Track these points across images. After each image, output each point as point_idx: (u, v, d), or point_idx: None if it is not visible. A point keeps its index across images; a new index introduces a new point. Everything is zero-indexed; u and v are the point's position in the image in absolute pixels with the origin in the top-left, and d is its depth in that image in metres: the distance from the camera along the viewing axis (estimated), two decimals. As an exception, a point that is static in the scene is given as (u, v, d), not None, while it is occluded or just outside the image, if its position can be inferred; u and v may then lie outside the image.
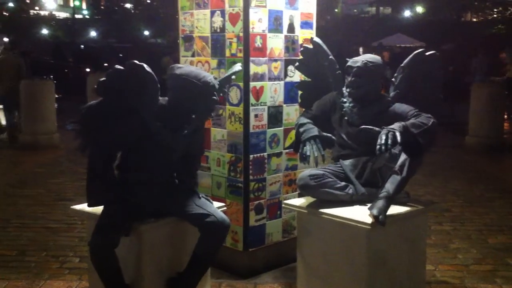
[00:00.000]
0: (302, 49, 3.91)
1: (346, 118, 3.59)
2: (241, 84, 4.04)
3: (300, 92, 4.16)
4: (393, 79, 3.56)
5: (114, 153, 3.29)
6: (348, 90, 3.57)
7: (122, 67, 3.14)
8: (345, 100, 3.59)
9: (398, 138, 3.08)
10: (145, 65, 3.13)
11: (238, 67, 3.76)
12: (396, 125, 3.18)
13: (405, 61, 3.52)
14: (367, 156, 3.49)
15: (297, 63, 3.92)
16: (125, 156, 3.34)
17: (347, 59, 3.62)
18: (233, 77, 3.83)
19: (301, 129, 3.71)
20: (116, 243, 3.14)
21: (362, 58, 3.55)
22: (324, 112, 3.73)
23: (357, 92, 3.52)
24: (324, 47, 3.75)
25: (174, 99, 3.29)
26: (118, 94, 3.14)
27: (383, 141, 3.08)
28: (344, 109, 3.58)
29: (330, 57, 3.72)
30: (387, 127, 3.15)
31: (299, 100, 4.22)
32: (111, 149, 3.24)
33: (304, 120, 3.77)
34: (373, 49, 19.96)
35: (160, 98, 3.32)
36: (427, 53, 3.48)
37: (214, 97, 3.33)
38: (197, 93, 3.25)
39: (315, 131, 3.64)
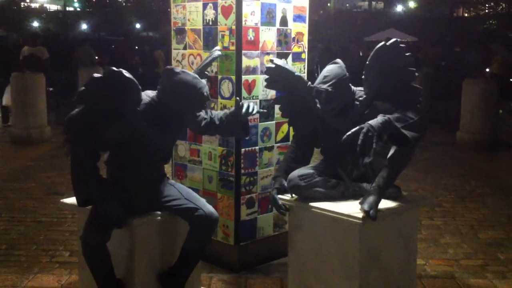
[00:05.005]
0: (265, 69, 3.76)
1: (332, 127, 3.54)
2: (233, 77, 4.02)
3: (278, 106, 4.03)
4: (363, 77, 3.48)
5: (101, 151, 3.26)
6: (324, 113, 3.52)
7: (100, 75, 3.13)
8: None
9: (374, 142, 3.04)
10: (123, 71, 3.11)
11: (217, 52, 3.77)
12: (376, 119, 3.13)
13: (369, 58, 3.40)
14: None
15: (265, 83, 3.78)
16: (114, 154, 3.32)
17: (310, 84, 3.55)
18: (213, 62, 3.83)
19: (272, 182, 3.69)
20: (108, 238, 3.14)
21: (324, 84, 3.40)
22: (312, 127, 3.67)
23: (333, 111, 3.48)
24: (286, 66, 3.67)
25: (164, 102, 3.25)
26: (100, 100, 3.13)
27: (359, 142, 3.04)
28: (328, 120, 3.54)
29: (296, 74, 3.64)
30: (366, 123, 3.10)
31: (280, 113, 4.16)
32: (97, 149, 3.20)
33: (276, 172, 3.76)
34: (367, 44, 19.94)
35: (149, 92, 3.32)
36: (388, 43, 3.40)
37: (205, 105, 3.39)
38: (191, 102, 3.26)
39: (277, 184, 3.58)
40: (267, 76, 3.70)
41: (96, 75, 3.15)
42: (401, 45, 3.39)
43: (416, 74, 3.43)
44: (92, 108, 3.14)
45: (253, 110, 3.56)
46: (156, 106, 3.25)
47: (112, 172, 3.35)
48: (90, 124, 3.13)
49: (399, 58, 3.39)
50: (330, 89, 3.39)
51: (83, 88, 3.16)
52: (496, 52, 14.61)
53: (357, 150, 3.05)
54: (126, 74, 3.11)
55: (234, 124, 3.58)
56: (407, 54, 3.40)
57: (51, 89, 13.56)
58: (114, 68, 3.12)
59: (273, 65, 3.64)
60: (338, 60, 3.56)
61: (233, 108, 3.63)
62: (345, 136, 3.08)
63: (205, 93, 3.26)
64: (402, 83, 3.40)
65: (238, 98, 3.66)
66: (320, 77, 3.48)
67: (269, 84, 3.77)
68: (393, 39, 3.41)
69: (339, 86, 3.41)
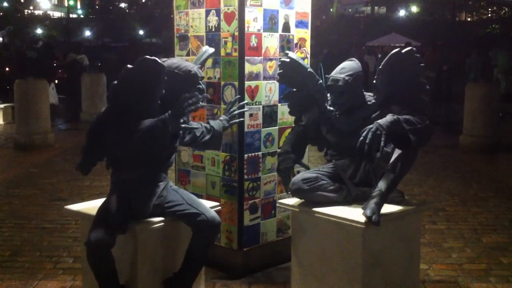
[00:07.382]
0: (279, 63, 3.83)
1: (335, 127, 3.56)
2: (236, 83, 4.04)
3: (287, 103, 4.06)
4: (374, 82, 3.51)
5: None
6: (334, 107, 3.56)
7: (133, 66, 3.07)
8: (331, 109, 3.58)
9: (382, 141, 3.06)
10: (157, 59, 3.06)
11: (210, 50, 3.83)
12: (385, 119, 3.15)
13: (383, 62, 3.43)
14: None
15: (277, 77, 3.84)
16: (118, 158, 3.29)
17: (326, 75, 3.58)
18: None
19: (280, 159, 3.73)
20: (113, 243, 3.13)
21: (341, 74, 3.47)
22: (314, 122, 3.70)
23: (343, 107, 3.51)
24: (300, 61, 3.70)
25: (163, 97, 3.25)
26: (131, 95, 3.08)
27: (367, 140, 3.06)
28: (332, 119, 3.56)
29: (308, 70, 3.68)
30: (375, 123, 3.12)
31: (283, 118, 4.26)
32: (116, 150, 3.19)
33: (285, 147, 3.76)
34: (368, 48, 20.05)
35: None
36: (403, 51, 3.41)
37: (199, 86, 3.37)
38: (180, 84, 3.25)
39: (290, 161, 3.65)
40: (280, 70, 3.76)
41: (129, 66, 3.08)
42: (416, 54, 3.40)
43: (428, 87, 3.45)
44: (120, 105, 3.09)
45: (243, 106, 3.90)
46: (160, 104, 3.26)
47: (116, 176, 3.35)
48: (114, 123, 3.09)
49: (411, 67, 3.40)
50: (347, 78, 3.43)
51: (115, 82, 3.10)
52: (494, 58, 14.65)
53: (365, 149, 3.07)
54: (160, 61, 3.08)
55: (214, 137, 3.76)
56: (421, 64, 3.42)
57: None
58: (148, 57, 3.07)
59: (288, 59, 3.68)
60: (354, 59, 3.62)
61: (214, 121, 3.81)
62: (358, 143, 3.10)
63: (190, 69, 3.28)
64: (411, 93, 3.42)
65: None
66: (337, 69, 3.55)
67: (282, 79, 3.82)
68: (409, 48, 3.43)
69: (354, 79, 3.46)
